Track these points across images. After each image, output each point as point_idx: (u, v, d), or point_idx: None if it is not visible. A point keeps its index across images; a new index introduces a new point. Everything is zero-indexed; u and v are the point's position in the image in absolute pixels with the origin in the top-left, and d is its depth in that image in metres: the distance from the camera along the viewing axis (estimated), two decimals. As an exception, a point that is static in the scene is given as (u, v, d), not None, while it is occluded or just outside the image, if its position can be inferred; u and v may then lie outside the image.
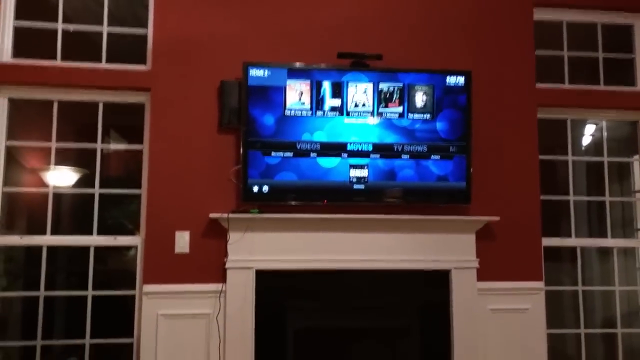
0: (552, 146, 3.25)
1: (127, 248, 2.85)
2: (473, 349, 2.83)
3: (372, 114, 2.85)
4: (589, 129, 3.46)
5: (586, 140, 3.49)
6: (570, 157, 3.22)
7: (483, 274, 2.89)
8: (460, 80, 2.92)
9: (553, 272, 3.19)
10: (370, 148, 2.83)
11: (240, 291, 2.69)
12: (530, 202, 3.02)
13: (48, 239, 2.72)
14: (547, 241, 3.07)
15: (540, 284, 2.97)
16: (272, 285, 2.72)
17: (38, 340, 2.66)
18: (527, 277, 2.96)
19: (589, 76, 3.28)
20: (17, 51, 2.79)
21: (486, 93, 3.00)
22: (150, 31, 2.86)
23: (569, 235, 3.18)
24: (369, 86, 2.84)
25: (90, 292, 2.73)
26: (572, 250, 3.21)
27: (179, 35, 2.82)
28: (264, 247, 2.73)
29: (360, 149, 2.83)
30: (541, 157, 3.09)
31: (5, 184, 2.72)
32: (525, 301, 2.94)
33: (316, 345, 2.81)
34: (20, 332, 2.86)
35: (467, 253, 2.89)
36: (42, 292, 2.69)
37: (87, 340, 2.69)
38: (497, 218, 2.88)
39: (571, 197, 3.20)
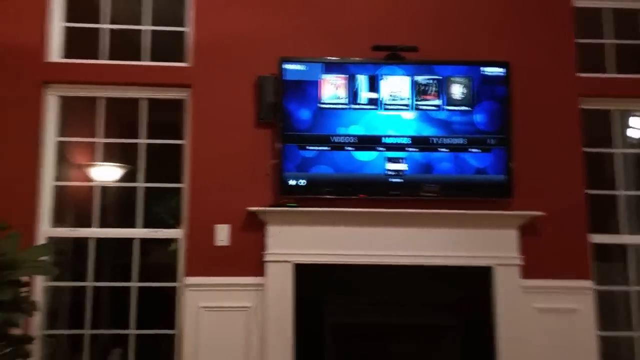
0: (599, 138, 3.13)
1: (168, 242, 2.91)
2: (519, 350, 2.72)
3: (409, 106, 2.83)
4: (636, 121, 3.31)
5: (635, 132, 3.34)
6: (617, 150, 3.09)
7: (527, 272, 2.79)
8: (499, 71, 2.87)
9: (605, 272, 3.03)
10: (407, 141, 2.81)
11: (279, 284, 2.70)
12: (575, 197, 2.91)
13: (95, 231, 2.84)
14: (595, 238, 2.94)
15: (588, 283, 2.84)
16: (310, 279, 2.72)
17: (86, 330, 2.75)
18: (574, 275, 2.84)
19: (635, 65, 3.15)
20: (66, 51, 2.95)
21: (526, 83, 2.93)
22: (191, 29, 2.95)
23: (619, 232, 3.03)
24: (405, 79, 2.84)
25: (134, 284, 2.81)
26: (623, 248, 3.06)
27: (218, 32, 2.91)
28: (301, 241, 2.74)
29: (396, 142, 2.81)
30: (586, 149, 2.98)
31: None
32: (573, 300, 2.81)
33: (354, 340, 2.78)
34: (67, 321, 2.96)
35: (510, 249, 2.80)
36: (89, 283, 2.79)
37: (132, 331, 2.77)
38: (541, 213, 2.79)
39: (620, 192, 3.06)
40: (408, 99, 2.83)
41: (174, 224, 2.89)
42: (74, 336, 2.80)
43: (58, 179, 2.87)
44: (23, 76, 2.81)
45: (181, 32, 2.99)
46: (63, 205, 2.91)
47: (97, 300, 2.83)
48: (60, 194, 2.89)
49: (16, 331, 2.39)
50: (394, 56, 2.86)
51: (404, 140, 2.81)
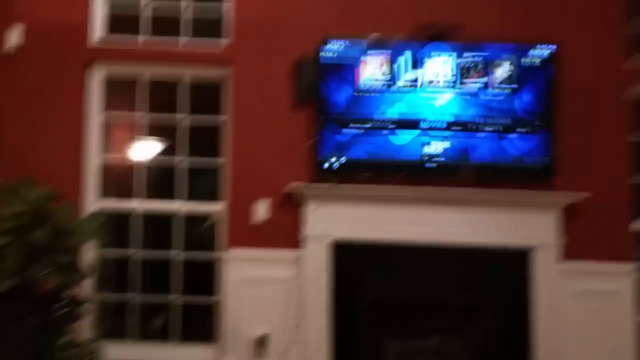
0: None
1: (204, 218, 3.00)
2: (556, 331, 2.73)
3: (451, 87, 2.80)
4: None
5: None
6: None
7: (567, 254, 2.78)
8: (547, 52, 2.80)
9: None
10: (447, 123, 2.79)
11: (316, 259, 2.76)
12: (620, 182, 2.86)
13: (139, 204, 2.95)
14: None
15: (629, 267, 2.80)
16: (347, 256, 2.77)
17: (132, 295, 2.91)
18: (615, 259, 2.80)
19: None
20: (110, 29, 3.01)
21: (574, 65, 2.84)
22: (232, 6, 2.94)
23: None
24: (449, 58, 2.79)
25: (178, 254, 2.93)
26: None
27: (259, 11, 2.90)
28: (338, 219, 2.78)
29: (436, 124, 2.79)
30: (635, 137, 2.91)
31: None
32: (613, 284, 2.79)
33: (389, 317, 2.83)
34: (113, 289, 3.10)
35: (550, 231, 2.79)
36: (136, 252, 2.93)
37: (175, 298, 2.90)
38: (584, 195, 2.75)
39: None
40: (451, 79, 2.79)
41: (212, 199, 2.97)
42: (118, 304, 2.95)
43: (102, 154, 2.97)
44: (69, 55, 2.89)
45: (222, 9, 3.00)
46: (107, 179, 3.01)
47: (141, 271, 2.96)
48: (105, 169, 2.99)
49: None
50: (438, 35, 2.81)
51: (445, 122, 2.79)
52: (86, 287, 2.78)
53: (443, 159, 2.77)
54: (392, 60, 2.79)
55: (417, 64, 2.79)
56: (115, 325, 2.95)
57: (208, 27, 3.01)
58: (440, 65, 2.80)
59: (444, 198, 2.78)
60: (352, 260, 2.78)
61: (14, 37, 2.85)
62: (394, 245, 2.78)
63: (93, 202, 2.91)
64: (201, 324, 2.90)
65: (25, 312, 2.21)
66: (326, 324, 2.73)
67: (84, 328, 2.79)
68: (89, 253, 2.83)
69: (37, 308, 2.30)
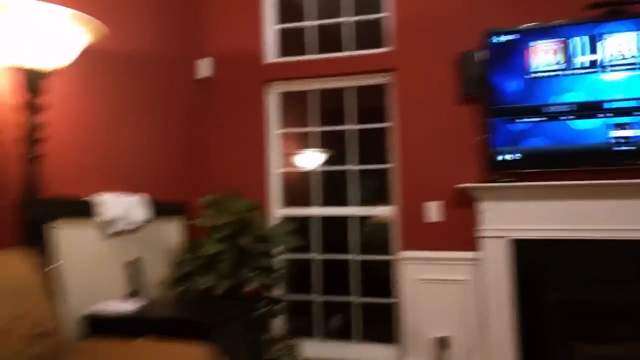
0: None
1: (367, 220, 3.12)
2: None
3: (636, 65, 2.56)
4: None
5: None
6: None
7: None
8: None
9: None
10: (636, 104, 2.55)
11: (494, 259, 2.71)
12: None
13: (317, 210, 3.19)
14: None
15: None
16: (527, 254, 2.68)
17: (314, 296, 3.15)
18: None
19: None
20: (280, 50, 3.31)
21: None
22: (392, 13, 3.04)
23: None
24: (632, 35, 2.57)
25: (357, 257, 3.11)
26: None
27: (418, 13, 2.97)
28: (515, 216, 2.69)
29: (622, 106, 2.57)
30: None
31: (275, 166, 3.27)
32: None
33: (575, 317, 2.64)
34: (298, 292, 3.39)
35: None
36: (317, 256, 3.17)
37: (356, 299, 3.07)
38: None
39: None
40: (635, 57, 2.56)
41: (378, 203, 3.08)
42: (303, 304, 3.21)
43: (282, 165, 3.27)
44: (247, 77, 3.23)
45: (375, 20, 3.14)
46: (285, 188, 3.30)
47: (322, 272, 3.18)
48: (284, 179, 3.28)
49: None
50: (616, 11, 2.61)
51: (632, 104, 2.56)
52: (279, 288, 3.08)
53: (634, 142, 2.54)
54: (565, 44, 2.66)
55: (594, 44, 2.62)
56: (301, 323, 3.21)
57: (369, 37, 3.14)
58: (620, 44, 2.58)
59: (634, 189, 2.53)
60: (533, 259, 2.68)
61: (206, 67, 3.30)
62: (577, 242, 2.61)
63: (277, 210, 3.22)
64: (382, 324, 3.03)
65: (237, 311, 2.51)
66: (509, 326, 2.66)
67: (277, 326, 3.08)
68: (280, 256, 3.14)
69: (245, 307, 2.60)
